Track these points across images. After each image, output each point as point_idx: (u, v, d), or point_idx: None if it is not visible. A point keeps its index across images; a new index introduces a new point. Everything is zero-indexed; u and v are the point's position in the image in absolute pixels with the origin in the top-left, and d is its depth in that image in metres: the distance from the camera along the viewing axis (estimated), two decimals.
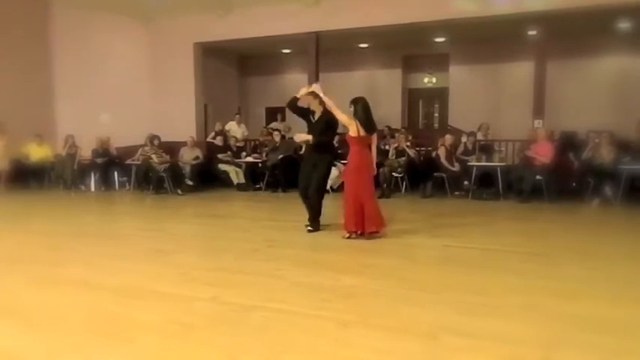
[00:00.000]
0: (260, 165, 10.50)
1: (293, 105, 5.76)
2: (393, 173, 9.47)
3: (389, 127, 12.30)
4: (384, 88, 14.76)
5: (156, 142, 10.42)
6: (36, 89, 11.26)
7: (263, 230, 6.14)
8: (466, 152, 9.58)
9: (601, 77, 12.34)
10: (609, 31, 11.18)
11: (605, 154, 8.43)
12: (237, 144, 11.47)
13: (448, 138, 9.46)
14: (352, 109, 5.45)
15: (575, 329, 2.94)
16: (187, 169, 10.28)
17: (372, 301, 3.46)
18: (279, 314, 3.18)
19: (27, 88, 11.00)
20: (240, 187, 10.43)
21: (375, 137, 5.66)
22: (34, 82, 11.22)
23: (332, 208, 8.54)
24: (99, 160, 10.65)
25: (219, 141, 11.03)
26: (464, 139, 9.91)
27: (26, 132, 10.49)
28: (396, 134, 10.51)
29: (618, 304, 3.42)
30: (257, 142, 11.63)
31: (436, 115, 15.29)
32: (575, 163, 8.94)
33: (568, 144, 9.50)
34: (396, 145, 9.88)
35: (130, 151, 10.84)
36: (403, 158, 9.54)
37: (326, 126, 5.65)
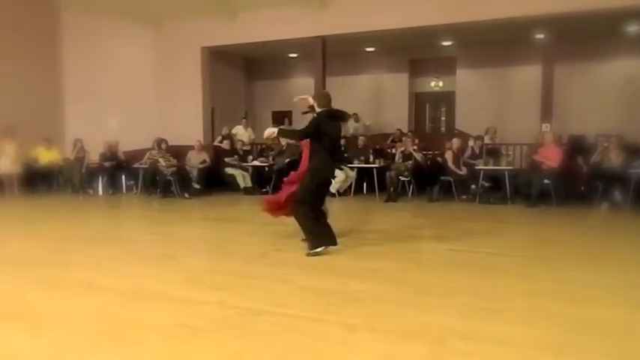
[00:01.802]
0: (267, 169, 10.52)
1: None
2: (400, 177, 9.46)
3: (400, 130, 12.34)
4: (391, 91, 14.77)
5: (163, 145, 10.48)
6: (45, 93, 11.37)
7: (270, 234, 6.13)
8: (473, 156, 9.55)
9: (609, 80, 12.27)
10: (617, 34, 11.13)
11: (614, 158, 8.37)
12: (244, 148, 11.51)
13: (455, 142, 9.44)
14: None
15: (583, 334, 2.91)
16: (194, 173, 10.33)
17: (378, 305, 3.45)
18: (286, 318, 3.18)
19: (36, 93, 11.12)
20: (247, 191, 10.45)
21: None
22: (43, 86, 11.34)
23: (338, 211, 8.55)
24: (107, 164, 10.72)
25: (226, 145, 11.07)
26: (471, 142, 9.88)
27: (35, 136, 10.59)
28: (403, 138, 10.51)
29: (627, 308, 3.39)
30: (264, 146, 11.66)
31: (443, 118, 15.26)
32: (583, 167, 8.88)
33: (576, 148, 9.45)
34: (402, 148, 9.88)
35: (138, 154, 10.90)
36: (410, 162, 9.53)
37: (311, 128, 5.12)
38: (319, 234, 4.86)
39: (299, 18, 10.91)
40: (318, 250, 4.77)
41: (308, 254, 4.77)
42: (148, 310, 3.39)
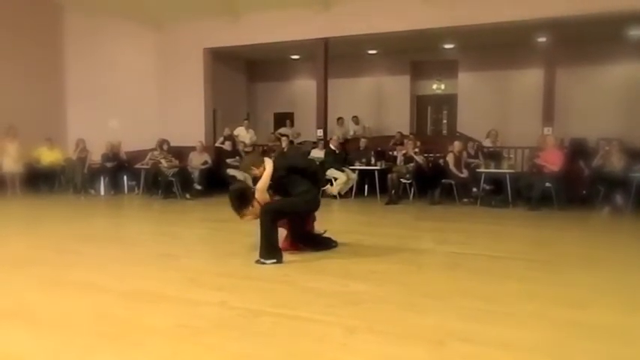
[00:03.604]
0: None
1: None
2: (401, 179, 9.46)
3: (401, 133, 12.37)
4: (393, 94, 14.79)
5: (165, 146, 10.50)
6: (47, 94, 11.41)
7: None
8: (468, 157, 9.58)
9: (611, 84, 12.28)
10: (619, 38, 11.14)
11: (616, 162, 8.37)
12: (246, 149, 11.52)
13: (457, 144, 9.45)
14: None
15: (585, 338, 2.91)
16: (196, 174, 10.34)
17: (378, 307, 3.45)
18: (286, 319, 3.18)
19: (39, 93, 11.16)
20: None
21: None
22: (45, 87, 11.38)
23: (339, 213, 8.56)
24: (109, 165, 10.74)
25: (227, 146, 11.08)
26: (471, 144, 9.92)
27: (37, 136, 10.62)
28: (405, 140, 10.51)
29: (628, 312, 3.39)
30: (265, 148, 11.68)
31: (445, 121, 15.28)
32: (585, 171, 8.88)
33: (578, 151, 9.45)
34: (404, 151, 9.88)
35: (140, 155, 10.93)
36: (411, 164, 9.53)
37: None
38: (276, 247, 4.66)
39: (301, 20, 10.94)
40: (268, 262, 4.54)
41: (257, 261, 4.56)
42: (148, 311, 3.39)
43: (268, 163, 4.84)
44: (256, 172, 4.83)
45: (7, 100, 10.44)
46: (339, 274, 4.30)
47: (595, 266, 4.71)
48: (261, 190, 4.74)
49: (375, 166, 10.12)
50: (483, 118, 12.44)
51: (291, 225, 5.04)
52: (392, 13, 10.19)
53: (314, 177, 5.14)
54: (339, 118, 13.34)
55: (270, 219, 4.65)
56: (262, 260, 4.58)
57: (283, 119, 14.46)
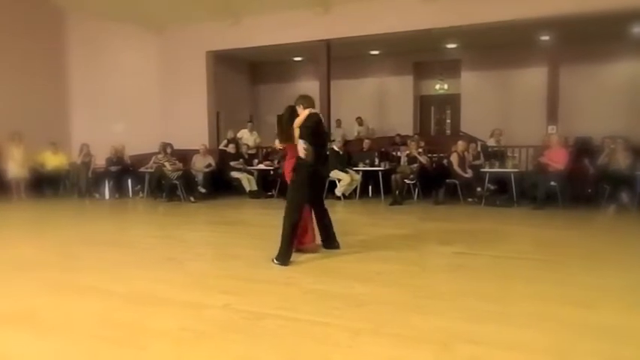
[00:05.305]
0: (272, 172, 10.54)
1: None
2: (405, 180, 9.44)
3: (399, 135, 12.35)
4: (396, 94, 14.77)
5: (169, 150, 10.52)
6: (51, 99, 11.46)
7: (275, 238, 6.10)
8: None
9: (615, 82, 12.22)
10: (623, 36, 11.09)
11: (621, 160, 8.32)
12: (249, 151, 11.54)
13: (460, 144, 9.42)
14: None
15: (591, 338, 2.89)
16: (200, 177, 10.36)
17: (383, 308, 3.44)
18: (291, 322, 3.17)
19: (43, 98, 11.20)
20: (252, 195, 10.47)
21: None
22: (49, 91, 11.43)
23: (344, 214, 8.54)
24: (113, 169, 10.78)
25: (231, 149, 11.10)
26: (472, 146, 9.89)
27: (42, 141, 10.67)
28: (408, 141, 10.49)
29: (635, 312, 3.36)
30: (269, 150, 11.68)
31: (448, 121, 15.25)
32: (590, 169, 8.83)
33: (583, 150, 9.40)
34: (407, 151, 9.87)
35: (144, 159, 10.95)
36: (415, 165, 9.51)
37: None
38: (289, 251, 4.69)
39: (303, 22, 10.94)
40: (278, 264, 4.58)
41: (273, 261, 4.63)
42: (152, 314, 3.39)
43: (308, 110, 4.99)
44: (301, 109, 5.02)
45: (12, 105, 10.49)
46: (343, 275, 4.29)
47: (601, 266, 4.68)
48: (297, 123, 4.91)
49: (379, 167, 10.11)
50: (487, 118, 12.41)
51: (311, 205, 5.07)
52: (393, 14, 10.18)
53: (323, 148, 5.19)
54: (338, 120, 13.34)
55: (292, 219, 4.72)
56: (277, 262, 4.60)
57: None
